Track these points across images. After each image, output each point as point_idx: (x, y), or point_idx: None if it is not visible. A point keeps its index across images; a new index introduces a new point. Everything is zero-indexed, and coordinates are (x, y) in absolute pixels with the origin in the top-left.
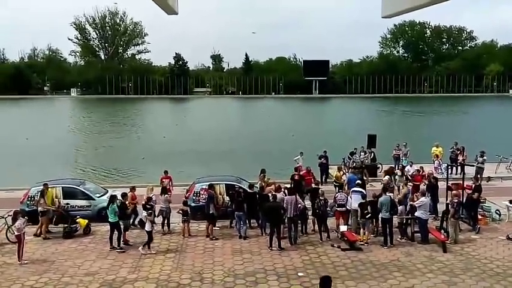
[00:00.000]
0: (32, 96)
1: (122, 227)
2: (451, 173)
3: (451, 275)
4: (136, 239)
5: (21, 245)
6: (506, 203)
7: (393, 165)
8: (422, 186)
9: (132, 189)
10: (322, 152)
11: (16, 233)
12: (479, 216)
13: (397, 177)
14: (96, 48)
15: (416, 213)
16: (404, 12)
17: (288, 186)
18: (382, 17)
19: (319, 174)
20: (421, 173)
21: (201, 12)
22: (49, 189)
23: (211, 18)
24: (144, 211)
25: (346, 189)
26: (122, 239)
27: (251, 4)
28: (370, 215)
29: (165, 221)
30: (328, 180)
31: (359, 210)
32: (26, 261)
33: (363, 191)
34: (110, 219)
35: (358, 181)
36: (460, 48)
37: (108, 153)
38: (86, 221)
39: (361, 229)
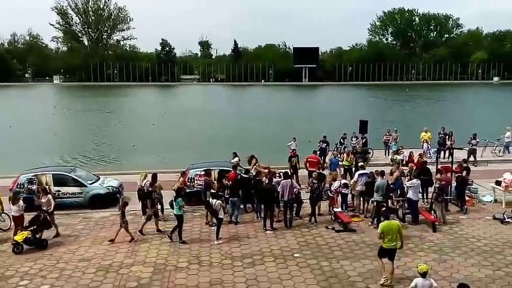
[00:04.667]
0: (12, 83)
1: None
2: (440, 157)
3: (441, 253)
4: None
5: (18, 227)
6: (492, 185)
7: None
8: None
9: (183, 174)
10: (322, 137)
11: (17, 214)
12: (467, 198)
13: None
14: (79, 34)
15: (407, 195)
16: None
17: (283, 171)
18: None
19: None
20: (412, 157)
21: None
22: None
23: (199, 4)
24: (214, 199)
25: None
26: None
27: None
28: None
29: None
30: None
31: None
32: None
33: (368, 172)
34: (175, 212)
35: (361, 163)
36: (446, 35)
37: (97, 141)
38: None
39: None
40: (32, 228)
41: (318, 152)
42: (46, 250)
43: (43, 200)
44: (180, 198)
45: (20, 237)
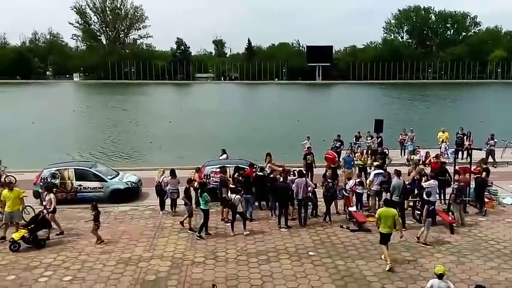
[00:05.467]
0: (34, 81)
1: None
2: (457, 158)
3: (459, 255)
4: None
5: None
6: None
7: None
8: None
9: (198, 170)
10: (336, 136)
11: (49, 207)
12: (486, 200)
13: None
14: (98, 33)
15: (424, 196)
16: None
17: (297, 169)
18: None
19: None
20: (428, 158)
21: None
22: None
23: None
24: (233, 194)
25: (342, 169)
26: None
27: None
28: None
29: (174, 203)
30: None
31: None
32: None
33: (384, 172)
34: (201, 207)
35: (376, 162)
36: (464, 33)
37: (116, 137)
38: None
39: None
40: (29, 226)
41: (333, 151)
42: (69, 242)
43: (46, 198)
44: (206, 193)
45: (17, 235)
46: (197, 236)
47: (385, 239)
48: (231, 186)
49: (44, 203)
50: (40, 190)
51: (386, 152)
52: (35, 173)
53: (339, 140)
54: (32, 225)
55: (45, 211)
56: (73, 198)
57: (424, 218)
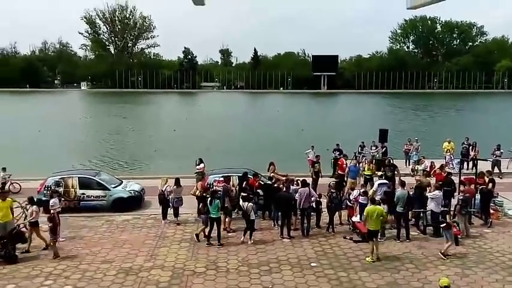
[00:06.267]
0: (43, 89)
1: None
2: (463, 168)
3: (464, 267)
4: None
5: (57, 223)
6: None
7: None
8: (432, 181)
9: (201, 179)
10: (335, 145)
11: (51, 211)
12: (491, 211)
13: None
14: (106, 43)
15: (428, 206)
16: (429, 3)
17: (301, 178)
18: (407, 8)
19: (332, 167)
20: (433, 169)
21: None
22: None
23: (220, 12)
24: (246, 202)
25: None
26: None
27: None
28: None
29: (176, 211)
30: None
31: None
32: (62, 239)
33: (388, 182)
34: (212, 215)
35: (380, 172)
36: (470, 43)
37: (120, 145)
38: None
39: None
40: (2, 241)
41: (332, 161)
42: (70, 251)
43: (29, 210)
44: (218, 201)
45: None
46: (218, 245)
47: (372, 235)
48: (243, 194)
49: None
50: (44, 198)
51: (395, 164)
52: (40, 180)
53: (338, 150)
54: (4, 240)
55: (21, 224)
56: (76, 206)
57: (445, 231)
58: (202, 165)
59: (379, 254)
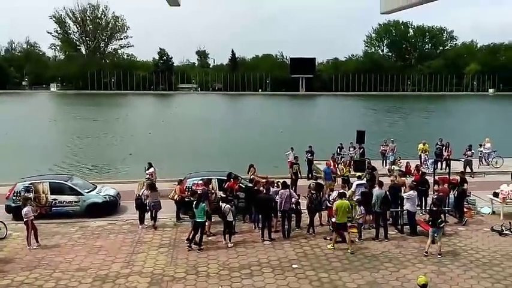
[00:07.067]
0: (9, 91)
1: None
2: (437, 168)
3: (440, 265)
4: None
5: (29, 231)
6: (489, 196)
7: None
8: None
9: (180, 182)
10: (307, 147)
11: (24, 219)
12: (465, 209)
13: (394, 171)
14: (77, 43)
15: (405, 206)
16: (402, 8)
17: (281, 180)
18: (381, 13)
19: (306, 169)
20: (409, 168)
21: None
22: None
23: (196, 13)
24: (224, 203)
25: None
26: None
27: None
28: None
29: (154, 216)
30: (313, 175)
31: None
32: (34, 248)
33: (365, 183)
34: (197, 219)
35: (359, 174)
36: (441, 48)
37: (93, 149)
38: None
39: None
40: None
41: (306, 162)
42: (43, 259)
43: None
44: (204, 204)
45: None
46: (199, 249)
47: (339, 227)
48: (222, 195)
49: None
50: (13, 204)
51: (375, 167)
52: (8, 186)
53: (310, 151)
54: None
55: None
56: (47, 212)
57: (437, 230)
58: (151, 169)
59: (352, 249)
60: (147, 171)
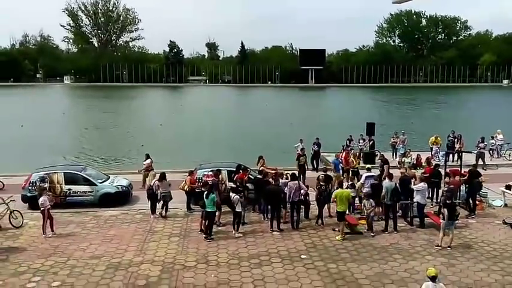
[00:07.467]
0: (24, 83)
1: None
2: (448, 160)
3: (450, 258)
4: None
5: (45, 220)
6: (502, 189)
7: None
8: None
9: (190, 173)
10: (314, 139)
11: (41, 208)
12: (476, 202)
13: (405, 164)
14: (89, 36)
15: (415, 198)
16: None
17: (290, 172)
18: (393, 3)
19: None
20: (420, 160)
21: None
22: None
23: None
24: (234, 194)
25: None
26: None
27: None
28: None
29: (165, 206)
30: (320, 167)
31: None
32: (49, 236)
33: (375, 175)
34: (208, 209)
35: (368, 166)
36: (455, 38)
37: (106, 140)
38: None
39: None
40: None
41: (312, 154)
42: (58, 247)
43: None
44: (214, 195)
45: None
46: (209, 239)
47: (340, 216)
48: (232, 185)
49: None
50: (29, 194)
51: (387, 160)
52: (24, 176)
53: (317, 143)
54: None
55: None
56: (62, 202)
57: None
58: (148, 160)
59: (342, 237)
60: (144, 162)
